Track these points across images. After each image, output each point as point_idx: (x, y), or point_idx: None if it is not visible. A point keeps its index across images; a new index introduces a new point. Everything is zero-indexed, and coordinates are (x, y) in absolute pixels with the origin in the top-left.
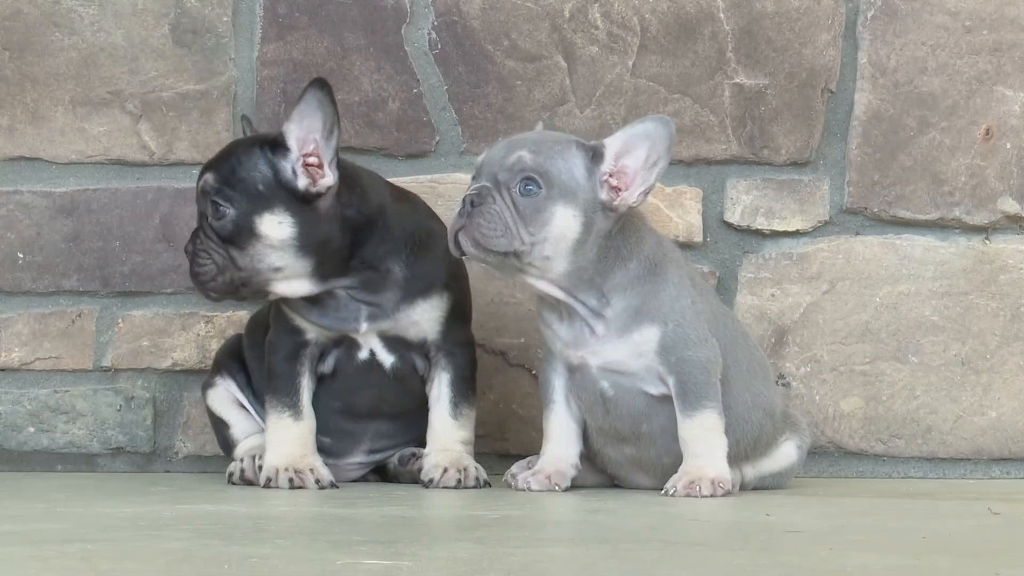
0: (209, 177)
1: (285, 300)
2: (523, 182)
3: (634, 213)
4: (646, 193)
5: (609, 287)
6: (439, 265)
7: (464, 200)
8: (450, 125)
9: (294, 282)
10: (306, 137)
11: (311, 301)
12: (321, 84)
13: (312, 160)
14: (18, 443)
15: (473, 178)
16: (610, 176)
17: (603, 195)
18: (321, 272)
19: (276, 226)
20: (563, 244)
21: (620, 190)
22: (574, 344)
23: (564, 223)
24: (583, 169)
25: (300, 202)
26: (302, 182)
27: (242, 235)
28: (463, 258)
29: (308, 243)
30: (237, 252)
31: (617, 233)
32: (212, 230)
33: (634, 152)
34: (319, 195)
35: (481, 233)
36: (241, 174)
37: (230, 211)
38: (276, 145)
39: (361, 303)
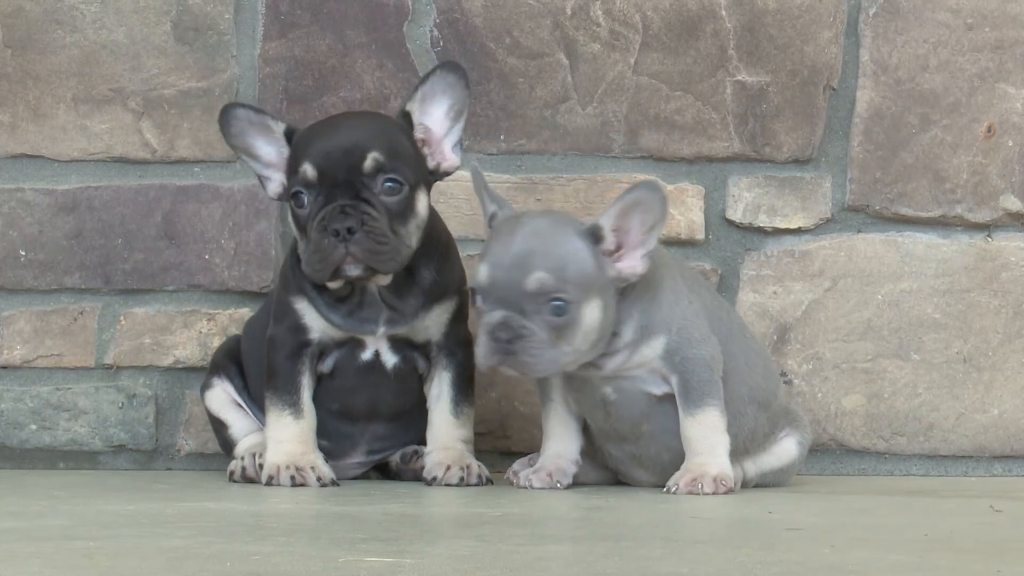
0: (378, 154)
1: (318, 295)
2: (551, 304)
3: None
4: (649, 256)
5: (617, 323)
6: (456, 271)
7: (491, 333)
8: None
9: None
10: (420, 119)
11: (340, 299)
12: (453, 67)
13: (419, 144)
14: (20, 441)
15: (476, 292)
16: (613, 251)
17: (612, 273)
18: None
19: (423, 204)
20: (593, 333)
21: (622, 255)
22: (581, 371)
23: (592, 316)
24: (591, 257)
25: (430, 182)
26: (432, 162)
27: (406, 212)
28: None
29: (425, 226)
30: (403, 229)
31: None
32: (384, 207)
33: (629, 220)
34: (445, 175)
35: (532, 368)
36: (401, 151)
37: (405, 187)
38: (409, 125)
39: (384, 305)
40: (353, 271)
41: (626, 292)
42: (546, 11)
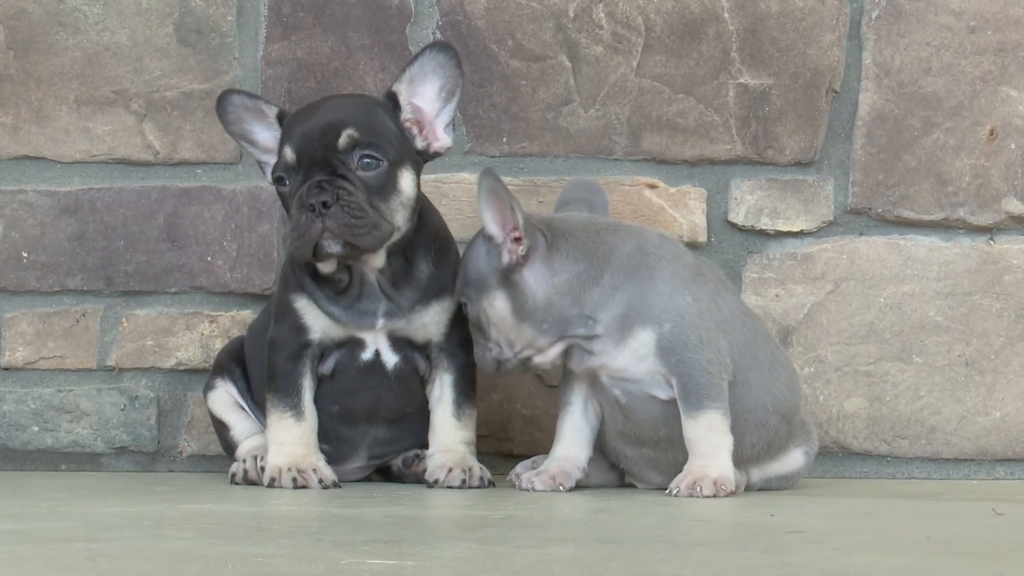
0: (352, 131)
1: (315, 285)
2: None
3: (605, 229)
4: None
5: (591, 308)
6: (453, 268)
7: None
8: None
9: (383, 251)
10: (409, 99)
11: (340, 293)
12: (443, 47)
13: (407, 125)
14: (22, 442)
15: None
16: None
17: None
18: (393, 245)
19: (408, 182)
20: (506, 324)
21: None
22: (581, 364)
23: (499, 306)
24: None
25: (418, 161)
26: (420, 143)
27: (386, 188)
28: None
29: (416, 206)
30: (383, 205)
31: (577, 260)
32: (361, 182)
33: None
34: (436, 155)
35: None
36: (380, 129)
37: (383, 163)
38: (394, 105)
39: (383, 296)
40: (333, 247)
41: (597, 280)
42: (549, 13)
